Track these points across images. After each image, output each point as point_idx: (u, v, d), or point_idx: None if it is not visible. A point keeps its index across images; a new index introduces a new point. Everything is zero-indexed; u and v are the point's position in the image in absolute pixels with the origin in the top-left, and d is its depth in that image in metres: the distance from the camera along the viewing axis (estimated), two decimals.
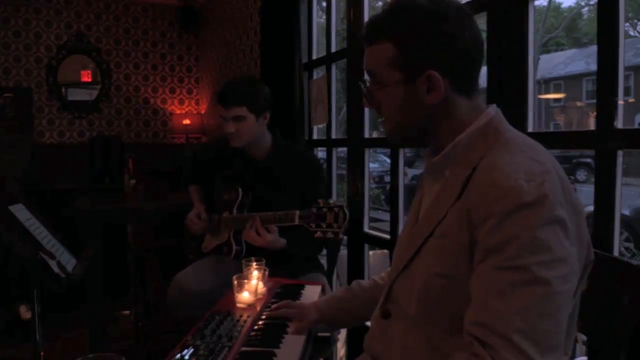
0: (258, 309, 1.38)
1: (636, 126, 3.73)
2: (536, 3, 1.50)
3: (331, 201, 1.54)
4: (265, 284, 1.48)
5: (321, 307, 1.28)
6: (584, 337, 1.51)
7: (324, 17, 2.90)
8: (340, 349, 2.55)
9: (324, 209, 1.53)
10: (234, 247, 1.93)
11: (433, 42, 0.88)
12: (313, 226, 1.53)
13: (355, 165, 2.42)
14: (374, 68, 0.94)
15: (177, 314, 1.96)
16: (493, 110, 0.93)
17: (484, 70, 1.51)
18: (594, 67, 1.33)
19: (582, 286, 0.87)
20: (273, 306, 1.35)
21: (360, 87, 1.00)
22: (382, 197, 8.21)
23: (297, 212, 1.60)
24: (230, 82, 2.05)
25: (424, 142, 0.99)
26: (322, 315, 1.27)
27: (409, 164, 7.44)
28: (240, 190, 1.96)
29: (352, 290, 1.28)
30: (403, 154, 2.20)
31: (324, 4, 2.96)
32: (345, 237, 2.42)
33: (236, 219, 1.93)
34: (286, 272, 1.81)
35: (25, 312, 3.07)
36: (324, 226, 1.52)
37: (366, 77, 0.98)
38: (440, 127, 0.93)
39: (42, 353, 1.48)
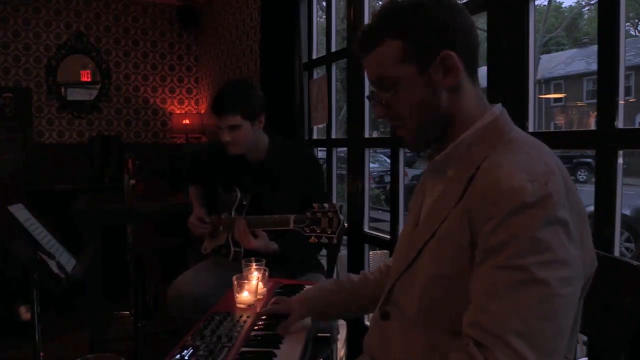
0: (258, 309, 1.38)
1: (637, 126, 3.72)
2: (536, 3, 1.50)
3: (326, 205, 1.50)
4: (265, 284, 1.48)
5: (307, 300, 1.28)
6: (584, 338, 1.51)
7: (324, 17, 2.90)
8: (340, 349, 2.55)
9: (318, 214, 1.49)
10: (232, 249, 1.91)
11: (435, 22, 0.87)
12: (307, 230, 1.50)
13: (355, 165, 2.42)
14: (383, 72, 0.90)
15: (176, 318, 1.94)
16: (498, 109, 0.92)
17: (484, 70, 1.51)
18: (594, 67, 1.33)
19: (585, 292, 0.86)
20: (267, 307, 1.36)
21: (370, 100, 0.96)
22: (382, 197, 8.20)
23: (292, 217, 1.56)
24: (222, 90, 1.96)
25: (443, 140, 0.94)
26: (308, 309, 1.26)
27: (409, 164, 7.44)
28: (238, 191, 1.95)
29: (341, 283, 1.28)
30: (403, 153, 2.19)
31: (324, 4, 2.96)
32: (345, 237, 2.42)
33: (233, 220, 1.91)
34: (286, 272, 1.80)
35: (25, 313, 3.07)
36: (318, 231, 1.48)
37: (371, 89, 0.94)
38: (454, 121, 0.90)
39: (41, 353, 1.48)
